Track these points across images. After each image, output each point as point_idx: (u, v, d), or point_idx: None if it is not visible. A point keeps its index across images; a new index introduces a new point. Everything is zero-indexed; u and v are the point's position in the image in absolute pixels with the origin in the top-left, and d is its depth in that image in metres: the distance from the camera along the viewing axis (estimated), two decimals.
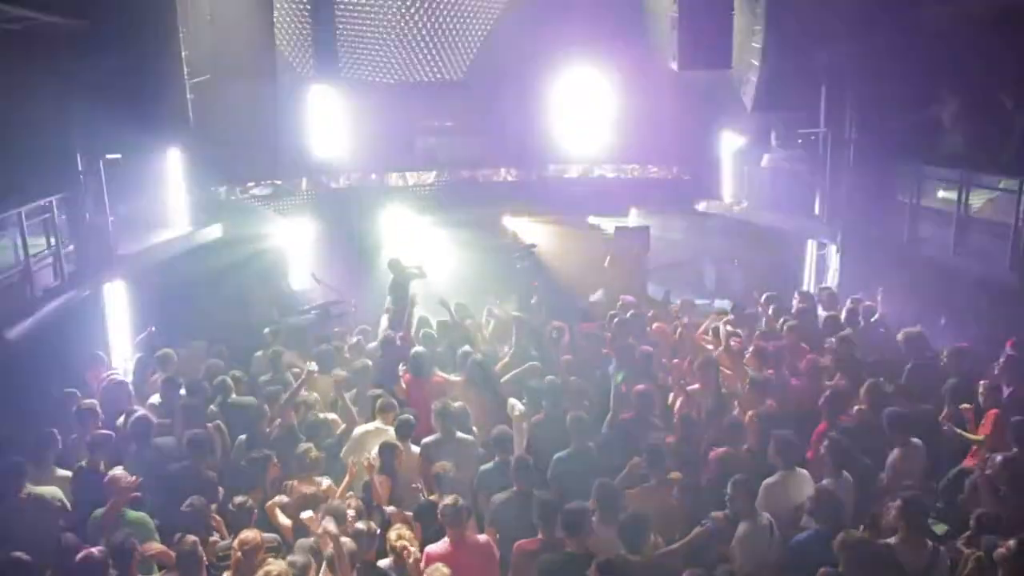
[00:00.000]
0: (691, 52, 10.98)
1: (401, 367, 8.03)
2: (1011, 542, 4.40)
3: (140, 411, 6.99)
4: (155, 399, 7.71)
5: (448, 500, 5.19)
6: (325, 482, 6.05)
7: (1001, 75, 9.34)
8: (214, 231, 12.59)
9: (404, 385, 7.74)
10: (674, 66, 11.25)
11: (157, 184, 12.03)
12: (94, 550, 4.84)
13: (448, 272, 12.04)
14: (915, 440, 6.02)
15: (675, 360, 8.09)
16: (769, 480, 5.56)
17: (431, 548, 5.10)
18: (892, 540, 4.78)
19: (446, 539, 5.12)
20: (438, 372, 7.93)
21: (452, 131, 14.66)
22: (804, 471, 5.69)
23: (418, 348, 8.27)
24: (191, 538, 4.95)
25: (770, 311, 9.30)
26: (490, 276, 13.08)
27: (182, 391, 7.59)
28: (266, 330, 9.22)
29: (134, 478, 5.66)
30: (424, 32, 14.76)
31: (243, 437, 6.88)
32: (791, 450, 5.67)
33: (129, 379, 8.41)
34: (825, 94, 11.09)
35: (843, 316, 8.95)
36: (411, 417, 6.63)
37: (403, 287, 10.33)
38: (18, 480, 5.73)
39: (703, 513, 5.28)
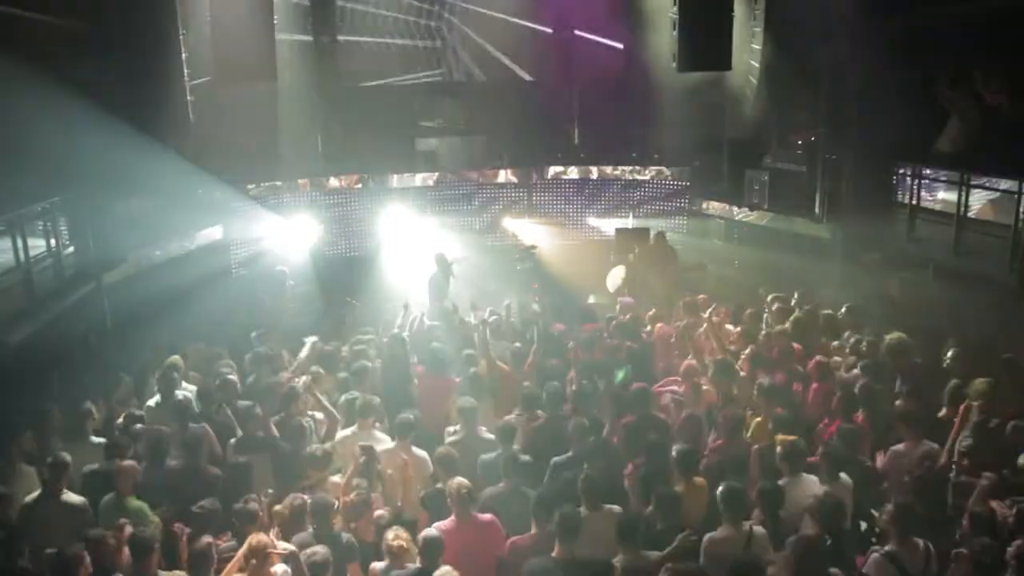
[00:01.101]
0: (691, 53, 10.99)
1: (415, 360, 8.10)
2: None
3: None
4: (153, 401, 7.65)
5: (455, 481, 5.33)
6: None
7: (1001, 75, 9.35)
8: (214, 232, 12.58)
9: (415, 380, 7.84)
10: (674, 67, 11.27)
11: (157, 185, 12.02)
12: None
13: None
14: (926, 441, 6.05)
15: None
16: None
17: (438, 524, 5.24)
18: (888, 546, 4.78)
19: (453, 517, 5.25)
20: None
21: (453, 132, 14.65)
22: (812, 476, 5.65)
23: (436, 344, 8.25)
24: (206, 539, 5.00)
25: (774, 308, 9.31)
26: (490, 278, 13.08)
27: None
28: (253, 334, 9.06)
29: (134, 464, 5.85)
30: (425, 33, 14.82)
31: (233, 441, 6.70)
32: (797, 456, 5.65)
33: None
34: (825, 94, 11.10)
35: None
36: (411, 416, 6.59)
37: (443, 282, 10.53)
38: (60, 478, 5.80)
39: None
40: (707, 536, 4.99)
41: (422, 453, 6.34)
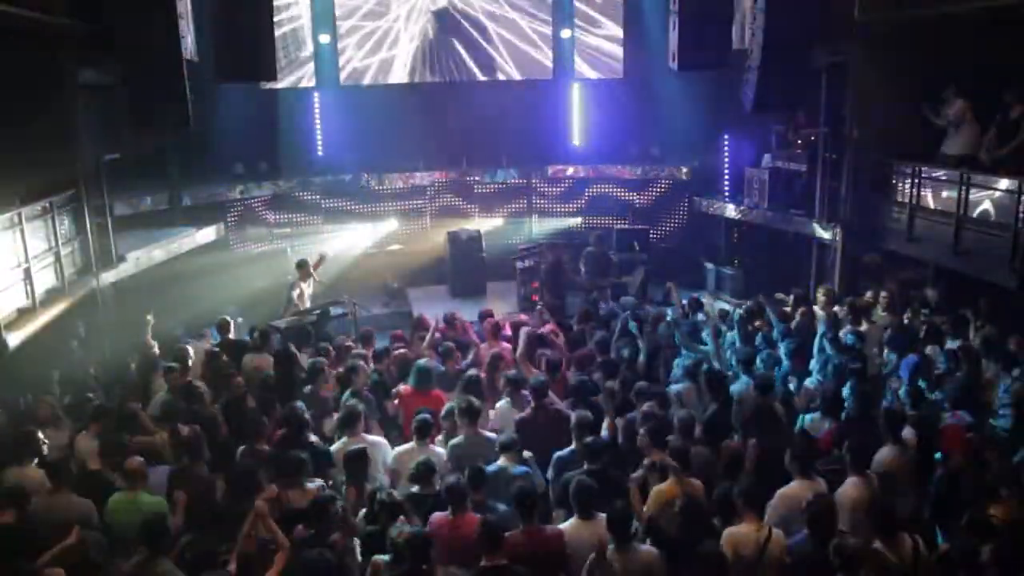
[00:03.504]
0: (691, 52, 10.97)
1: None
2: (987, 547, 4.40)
3: None
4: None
5: (451, 478, 5.37)
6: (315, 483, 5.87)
7: (1001, 74, 9.33)
8: (215, 232, 12.62)
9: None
10: (674, 66, 11.25)
11: (157, 184, 12.06)
12: None
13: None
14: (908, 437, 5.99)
15: None
16: (784, 488, 5.43)
17: (435, 515, 5.27)
18: (877, 544, 4.72)
19: (448, 511, 5.25)
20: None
21: (452, 132, 14.66)
22: (820, 479, 5.57)
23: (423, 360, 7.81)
24: None
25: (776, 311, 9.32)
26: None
27: None
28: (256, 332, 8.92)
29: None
30: (424, 34, 14.80)
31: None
32: (805, 457, 5.58)
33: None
34: (825, 94, 11.10)
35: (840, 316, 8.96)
36: (428, 416, 6.41)
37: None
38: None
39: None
40: (727, 531, 5.02)
41: (440, 451, 6.31)
